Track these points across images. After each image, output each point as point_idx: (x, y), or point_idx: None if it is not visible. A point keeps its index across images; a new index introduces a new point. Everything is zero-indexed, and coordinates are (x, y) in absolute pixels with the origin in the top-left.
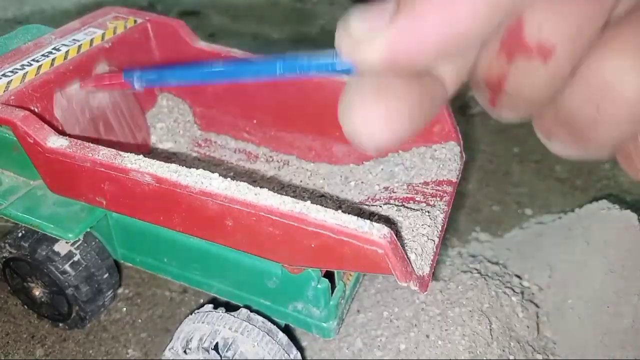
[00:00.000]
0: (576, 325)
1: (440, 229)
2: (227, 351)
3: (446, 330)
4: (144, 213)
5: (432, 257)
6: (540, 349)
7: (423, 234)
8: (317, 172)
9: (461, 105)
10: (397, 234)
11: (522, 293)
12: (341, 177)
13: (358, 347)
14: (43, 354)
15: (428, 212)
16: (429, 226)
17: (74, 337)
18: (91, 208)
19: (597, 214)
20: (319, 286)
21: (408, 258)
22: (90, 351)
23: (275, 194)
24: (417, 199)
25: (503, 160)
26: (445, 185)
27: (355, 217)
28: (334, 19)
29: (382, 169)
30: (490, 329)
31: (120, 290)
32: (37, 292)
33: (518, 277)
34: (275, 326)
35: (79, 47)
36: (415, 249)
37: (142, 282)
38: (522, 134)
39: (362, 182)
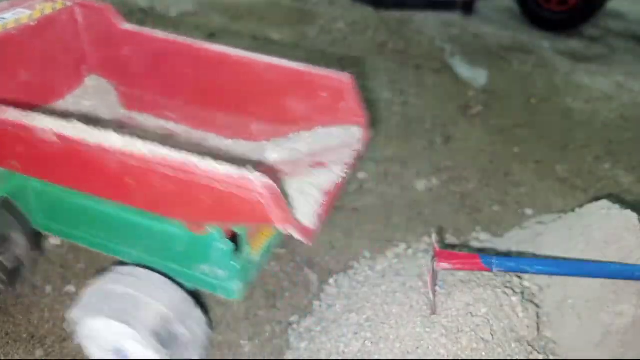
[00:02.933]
0: (576, 325)
1: (329, 191)
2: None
3: (446, 330)
4: (53, 174)
5: (317, 211)
6: (540, 349)
7: (311, 192)
8: (234, 148)
9: (461, 106)
10: (286, 192)
11: (522, 293)
12: (255, 152)
13: (355, 347)
14: (43, 354)
15: (320, 176)
16: (317, 187)
17: (74, 337)
18: (7, 175)
19: (597, 214)
20: (222, 247)
21: (292, 209)
22: None
23: (170, 149)
24: (314, 167)
25: (503, 160)
26: (341, 157)
27: (240, 169)
28: (334, 18)
29: (288, 145)
30: (491, 329)
31: None
32: None
33: (518, 277)
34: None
35: (5, 24)
36: (301, 202)
37: None
38: (522, 134)
39: (271, 156)
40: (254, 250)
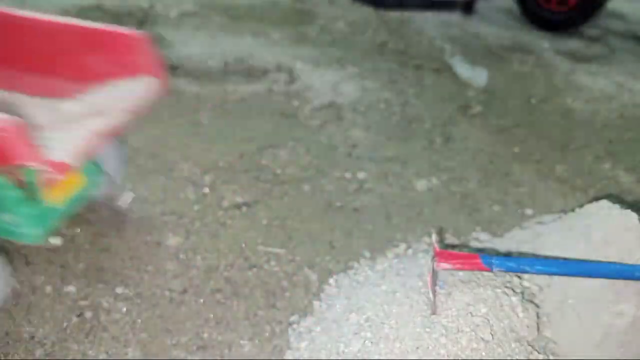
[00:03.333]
0: (576, 325)
1: (101, 133)
2: None
3: (446, 330)
4: None
5: (79, 151)
6: (540, 349)
7: (77, 133)
8: (41, 105)
9: (461, 106)
10: (54, 137)
11: (522, 293)
12: (58, 109)
13: (355, 347)
14: (43, 354)
15: (98, 122)
16: (90, 130)
17: (74, 337)
18: None
19: (597, 214)
20: (9, 194)
21: (52, 150)
22: (90, 351)
23: None
24: (103, 115)
25: (503, 160)
26: (127, 106)
27: None
28: (334, 18)
29: (85, 99)
30: (491, 329)
31: (120, 290)
32: None
33: (518, 277)
34: None
35: None
36: (66, 144)
37: (142, 282)
38: (522, 134)
39: (69, 110)
40: (56, 198)
